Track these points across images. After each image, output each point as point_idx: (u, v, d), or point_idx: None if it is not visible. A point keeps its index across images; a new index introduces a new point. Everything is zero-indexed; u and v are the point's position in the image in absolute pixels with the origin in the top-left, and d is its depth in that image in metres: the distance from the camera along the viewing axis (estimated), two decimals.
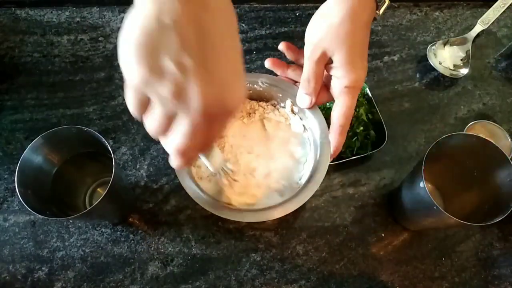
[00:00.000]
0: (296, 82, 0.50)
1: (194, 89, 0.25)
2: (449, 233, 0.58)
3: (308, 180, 0.45)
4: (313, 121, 0.48)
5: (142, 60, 0.25)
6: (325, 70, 0.47)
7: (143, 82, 0.25)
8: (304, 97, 0.47)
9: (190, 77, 0.25)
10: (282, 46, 0.50)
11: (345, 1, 0.42)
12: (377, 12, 0.46)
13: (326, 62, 0.45)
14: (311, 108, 0.48)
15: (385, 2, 0.46)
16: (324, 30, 0.43)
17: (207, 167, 0.42)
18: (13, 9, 0.71)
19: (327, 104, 0.59)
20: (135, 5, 0.25)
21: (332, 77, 0.46)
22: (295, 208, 0.42)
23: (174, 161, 0.31)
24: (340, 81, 0.44)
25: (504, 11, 0.71)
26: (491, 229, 0.58)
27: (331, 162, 0.58)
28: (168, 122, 0.28)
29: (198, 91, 0.25)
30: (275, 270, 0.55)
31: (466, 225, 0.44)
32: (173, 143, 0.29)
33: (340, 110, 0.45)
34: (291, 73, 0.50)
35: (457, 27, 0.73)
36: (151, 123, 0.29)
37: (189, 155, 0.30)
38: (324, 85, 0.48)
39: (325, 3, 0.45)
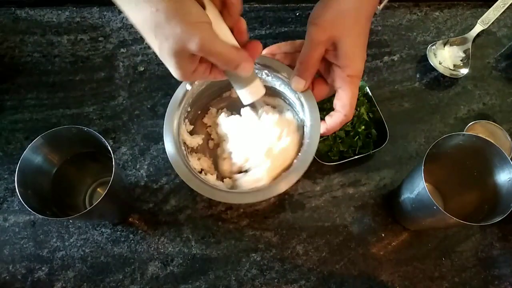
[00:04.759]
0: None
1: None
2: (449, 233, 0.58)
3: (303, 156, 0.45)
4: (305, 103, 0.48)
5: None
6: (325, 61, 0.46)
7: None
8: (298, 80, 0.46)
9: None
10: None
11: None
12: (378, 7, 0.46)
13: (327, 48, 0.44)
14: (304, 91, 0.47)
15: None
16: (333, 14, 0.42)
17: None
18: (13, 9, 0.71)
19: None
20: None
21: (334, 66, 0.44)
22: (298, 179, 0.43)
23: None
24: (343, 70, 0.43)
25: (504, 11, 0.71)
26: (491, 229, 0.58)
27: (332, 162, 0.58)
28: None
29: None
30: (275, 270, 0.55)
31: (466, 225, 0.44)
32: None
33: (345, 99, 0.44)
34: (284, 47, 0.51)
35: (457, 27, 0.73)
36: None
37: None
38: (321, 78, 0.47)
39: None
